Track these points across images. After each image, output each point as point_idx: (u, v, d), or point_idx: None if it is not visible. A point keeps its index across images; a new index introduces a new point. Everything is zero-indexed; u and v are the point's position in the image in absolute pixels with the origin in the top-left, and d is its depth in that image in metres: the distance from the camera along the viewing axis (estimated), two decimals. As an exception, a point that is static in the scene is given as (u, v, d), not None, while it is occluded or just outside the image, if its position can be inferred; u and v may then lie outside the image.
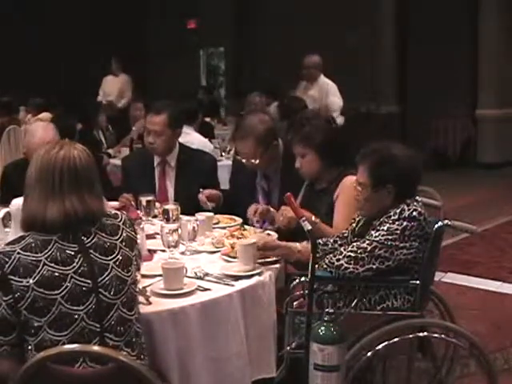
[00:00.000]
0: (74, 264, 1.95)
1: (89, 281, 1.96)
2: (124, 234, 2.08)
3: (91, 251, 1.99)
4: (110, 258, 2.01)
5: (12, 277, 1.90)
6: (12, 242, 1.98)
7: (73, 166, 2.02)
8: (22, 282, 1.89)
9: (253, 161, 3.47)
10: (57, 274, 1.92)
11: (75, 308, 1.92)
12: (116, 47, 12.17)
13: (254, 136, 3.42)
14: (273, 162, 3.54)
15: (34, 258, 1.91)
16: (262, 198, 3.59)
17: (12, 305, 1.90)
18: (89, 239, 2.00)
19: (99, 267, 1.99)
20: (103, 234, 2.04)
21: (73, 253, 1.96)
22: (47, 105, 9.34)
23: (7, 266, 1.90)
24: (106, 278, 1.99)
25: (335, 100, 7.23)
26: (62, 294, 1.91)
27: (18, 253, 1.92)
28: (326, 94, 7.27)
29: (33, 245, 1.94)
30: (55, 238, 1.96)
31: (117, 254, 2.03)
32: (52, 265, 1.92)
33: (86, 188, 2.03)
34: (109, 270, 2.00)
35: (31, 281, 1.89)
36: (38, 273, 1.90)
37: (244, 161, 3.52)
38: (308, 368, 2.24)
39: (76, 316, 1.92)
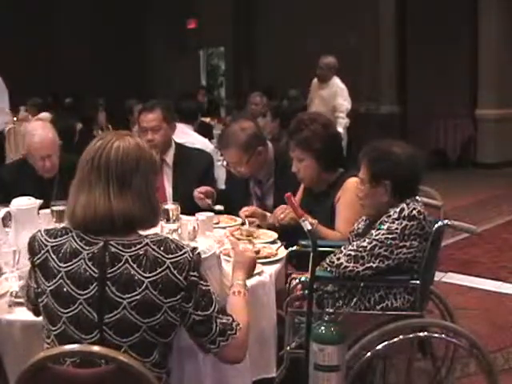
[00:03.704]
0: (88, 291, 1.83)
1: (94, 314, 1.83)
2: (163, 275, 1.82)
3: (108, 283, 1.82)
4: (126, 295, 1.81)
5: (38, 271, 1.90)
6: (51, 233, 1.91)
7: (105, 156, 1.84)
8: (42, 281, 1.89)
9: (239, 169, 3.47)
10: (70, 293, 1.85)
11: (77, 333, 1.85)
12: (116, 47, 12.20)
13: (236, 144, 3.40)
14: (262, 168, 3.52)
15: (56, 266, 1.86)
16: (255, 203, 3.58)
17: (35, 293, 1.93)
18: (113, 268, 1.82)
19: (109, 303, 1.82)
20: (134, 266, 1.82)
21: (91, 278, 1.83)
22: (47, 105, 9.38)
23: (36, 258, 1.90)
24: (113, 318, 1.82)
25: (343, 103, 7.34)
26: (69, 314, 1.85)
27: (47, 251, 1.88)
28: (335, 95, 7.33)
29: (63, 250, 1.87)
30: (85, 254, 1.84)
31: (137, 294, 1.81)
32: (68, 282, 1.84)
33: (115, 183, 1.83)
34: (119, 309, 1.81)
35: (48, 288, 1.88)
36: (55, 283, 1.86)
37: (231, 169, 3.52)
38: (308, 368, 2.24)
39: (80, 343, 1.84)
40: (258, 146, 3.44)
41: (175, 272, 1.83)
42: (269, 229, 3.15)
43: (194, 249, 1.91)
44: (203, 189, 3.54)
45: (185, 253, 1.86)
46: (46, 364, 1.77)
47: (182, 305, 1.87)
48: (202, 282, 1.90)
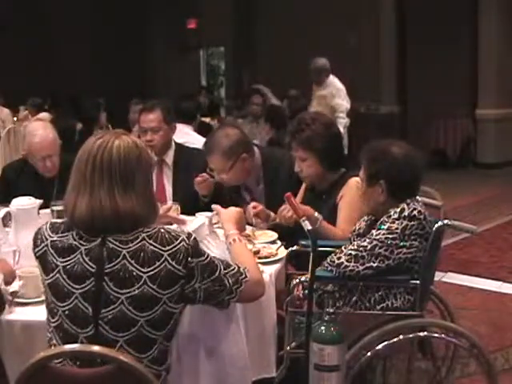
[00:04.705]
0: (84, 285, 1.85)
1: (89, 309, 1.85)
2: (161, 268, 1.84)
3: (106, 278, 1.83)
4: (124, 291, 1.83)
5: (38, 262, 1.95)
6: (55, 227, 1.94)
7: (107, 155, 1.85)
8: (42, 274, 1.95)
9: (222, 175, 3.41)
10: (65, 288, 1.87)
11: (73, 327, 1.88)
12: (116, 47, 12.19)
13: (219, 151, 3.35)
14: (248, 174, 3.47)
15: (54, 261, 1.89)
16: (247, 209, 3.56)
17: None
18: (111, 264, 1.84)
19: (106, 299, 1.84)
20: (132, 262, 1.83)
21: (88, 273, 1.84)
22: (47, 105, 9.39)
23: (37, 250, 1.94)
24: (110, 312, 1.83)
25: (341, 103, 7.34)
26: (65, 308, 1.88)
27: (47, 245, 1.92)
28: (333, 96, 7.33)
29: (60, 245, 1.89)
30: (82, 250, 1.86)
31: (135, 289, 1.83)
32: (65, 277, 1.87)
33: (119, 183, 1.84)
34: (116, 304, 1.83)
35: (46, 281, 1.92)
36: (52, 277, 1.89)
37: (216, 176, 3.48)
38: (308, 368, 2.24)
39: (76, 337, 1.87)
40: (242, 152, 3.37)
41: (173, 263, 1.85)
42: (269, 229, 3.15)
43: (189, 234, 1.93)
44: (201, 176, 3.53)
45: (181, 241, 1.88)
46: (46, 364, 1.77)
47: (185, 288, 1.89)
48: (200, 259, 1.91)
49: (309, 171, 3.16)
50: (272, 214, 3.26)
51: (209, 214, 3.13)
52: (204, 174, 3.53)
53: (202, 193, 3.55)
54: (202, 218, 2.68)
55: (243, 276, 2.02)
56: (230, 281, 1.98)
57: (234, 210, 2.50)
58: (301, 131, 3.15)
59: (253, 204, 3.24)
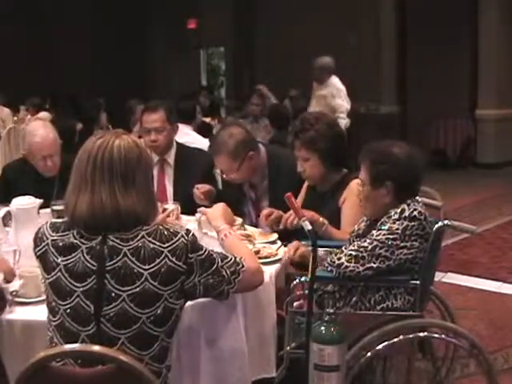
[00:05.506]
0: (86, 283, 1.87)
1: (92, 306, 1.86)
2: (162, 265, 1.86)
3: (107, 276, 1.85)
4: (125, 288, 1.85)
5: (39, 261, 1.97)
6: (56, 227, 1.95)
7: (108, 155, 1.87)
8: (43, 273, 1.96)
9: (231, 175, 3.42)
10: (67, 286, 1.88)
11: (75, 325, 1.89)
12: (116, 47, 12.19)
13: (226, 152, 3.35)
14: (255, 172, 3.47)
15: (55, 260, 1.90)
16: (251, 207, 3.56)
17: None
18: (112, 261, 1.85)
19: (108, 296, 1.85)
20: (133, 259, 1.85)
21: (89, 271, 1.86)
22: (47, 105, 9.38)
23: (38, 249, 1.96)
24: (112, 310, 1.85)
25: (342, 103, 7.32)
26: (66, 307, 1.89)
27: (47, 244, 1.93)
28: (333, 96, 7.32)
29: (61, 244, 1.91)
30: (83, 248, 1.88)
31: (136, 286, 1.85)
32: (66, 275, 1.88)
33: (120, 181, 1.87)
34: (117, 302, 1.85)
35: (47, 280, 1.93)
36: (53, 276, 1.90)
37: (224, 176, 3.48)
38: (308, 368, 2.24)
39: (78, 335, 1.88)
40: (249, 151, 3.37)
41: (174, 259, 1.88)
42: None
43: (188, 230, 1.96)
44: (203, 188, 3.52)
45: (180, 237, 1.91)
46: (46, 364, 1.77)
47: (185, 283, 1.92)
48: (199, 254, 1.94)
49: (311, 171, 3.16)
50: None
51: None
52: (203, 185, 3.51)
53: (201, 203, 3.51)
54: (190, 224, 2.74)
55: (240, 266, 2.06)
56: (228, 271, 2.02)
57: (219, 206, 2.56)
58: (305, 131, 3.14)
59: (267, 211, 3.18)
